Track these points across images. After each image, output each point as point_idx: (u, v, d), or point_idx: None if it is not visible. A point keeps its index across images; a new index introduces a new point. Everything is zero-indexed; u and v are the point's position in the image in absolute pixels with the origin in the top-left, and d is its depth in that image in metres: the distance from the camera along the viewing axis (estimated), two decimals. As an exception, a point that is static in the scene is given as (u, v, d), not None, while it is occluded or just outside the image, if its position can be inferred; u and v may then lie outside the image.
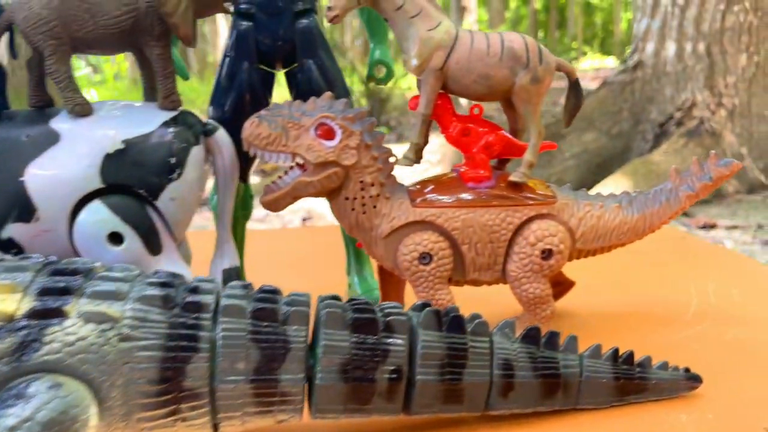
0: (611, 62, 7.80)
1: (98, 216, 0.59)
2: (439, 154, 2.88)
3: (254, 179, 3.29)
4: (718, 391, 0.60)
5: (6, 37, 0.61)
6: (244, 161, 0.75)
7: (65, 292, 0.45)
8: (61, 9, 0.58)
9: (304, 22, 0.76)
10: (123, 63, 6.24)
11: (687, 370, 0.60)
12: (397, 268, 0.69)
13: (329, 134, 0.64)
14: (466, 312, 0.71)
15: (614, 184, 2.71)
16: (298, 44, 0.76)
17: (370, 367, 0.49)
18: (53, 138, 0.60)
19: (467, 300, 0.73)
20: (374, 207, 0.67)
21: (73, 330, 0.43)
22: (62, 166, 0.59)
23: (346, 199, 0.67)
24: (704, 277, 0.91)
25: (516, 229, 0.68)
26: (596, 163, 3.13)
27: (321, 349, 0.49)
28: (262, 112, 0.65)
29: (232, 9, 0.77)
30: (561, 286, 0.80)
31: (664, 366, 0.59)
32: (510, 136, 0.71)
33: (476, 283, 0.71)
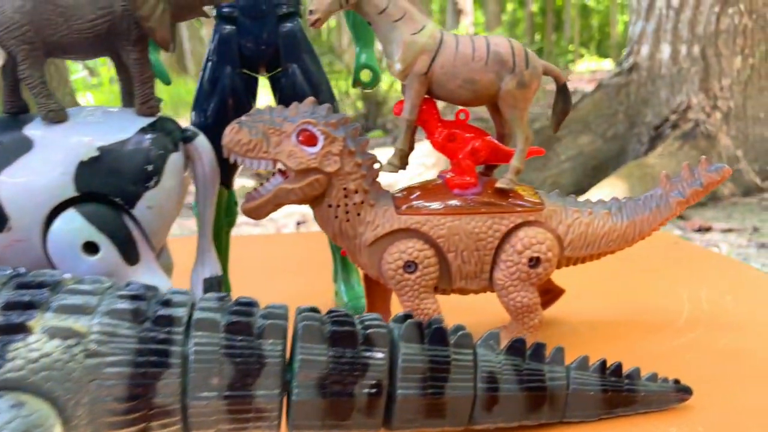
0: (608, 65, 7.80)
1: (72, 225, 0.58)
2: (434, 158, 2.87)
3: (249, 183, 3.27)
4: (709, 403, 0.58)
5: None
6: (228, 167, 0.73)
7: (30, 306, 0.43)
8: (34, 13, 0.56)
9: (288, 25, 0.75)
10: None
11: (677, 381, 0.58)
12: (381, 276, 0.67)
13: (311, 140, 0.63)
14: (454, 321, 0.70)
15: (609, 187, 2.70)
16: (281, 48, 0.75)
17: (348, 382, 0.48)
18: (26, 145, 0.58)
19: (455, 308, 0.71)
20: (358, 214, 0.65)
21: (37, 346, 0.42)
22: (35, 174, 0.58)
23: (330, 206, 0.65)
24: (697, 282, 0.90)
25: (503, 237, 0.66)
26: (591, 166, 3.12)
27: (297, 364, 0.47)
28: (243, 117, 0.64)
29: (214, 13, 0.75)
30: (550, 293, 0.78)
31: (654, 377, 0.58)
32: (497, 142, 0.69)
33: (463, 291, 0.69)
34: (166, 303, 0.47)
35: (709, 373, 0.64)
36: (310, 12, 0.63)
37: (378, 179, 0.67)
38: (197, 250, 0.68)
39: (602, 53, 9.36)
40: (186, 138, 0.64)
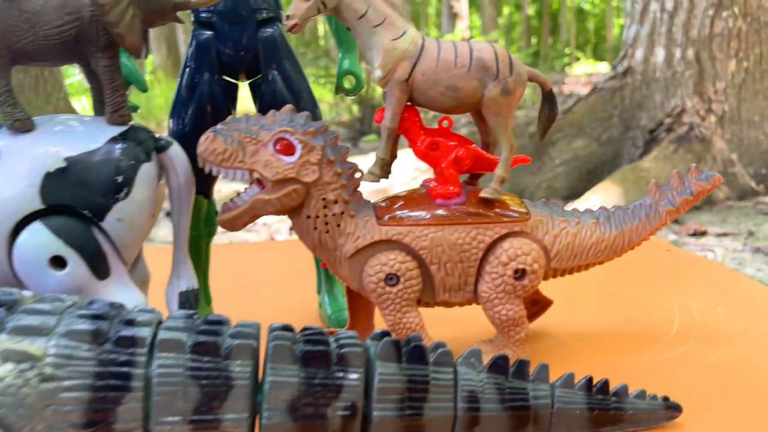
0: (604, 68, 7.81)
1: (39, 239, 0.56)
2: (428, 162, 2.85)
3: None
4: (699, 421, 0.56)
5: None
6: (207, 176, 0.71)
7: (-17, 327, 0.41)
8: (-1, 19, 0.55)
9: (268, 31, 0.73)
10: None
11: (666, 398, 0.56)
12: (362, 289, 0.65)
13: (289, 149, 0.61)
14: (439, 334, 0.68)
15: (604, 191, 2.68)
16: (261, 54, 0.73)
17: (321, 404, 0.46)
18: (-10, 156, 0.56)
19: (439, 321, 0.69)
20: (338, 225, 0.63)
21: (-12, 371, 0.39)
22: (-1, 186, 0.55)
23: (308, 217, 0.63)
24: (688, 292, 0.88)
25: (487, 248, 0.64)
26: (586, 170, 3.11)
27: (267, 386, 0.45)
28: (219, 126, 0.62)
29: (192, 18, 0.74)
30: (538, 305, 0.76)
31: (642, 395, 0.56)
32: (481, 150, 0.67)
33: (447, 304, 0.67)
34: (130, 323, 0.45)
35: (699, 389, 0.62)
36: (287, 17, 0.61)
37: (359, 189, 0.65)
38: (172, 263, 0.66)
39: (598, 56, 9.37)
40: (159, 147, 0.62)
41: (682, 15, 3.01)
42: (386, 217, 0.64)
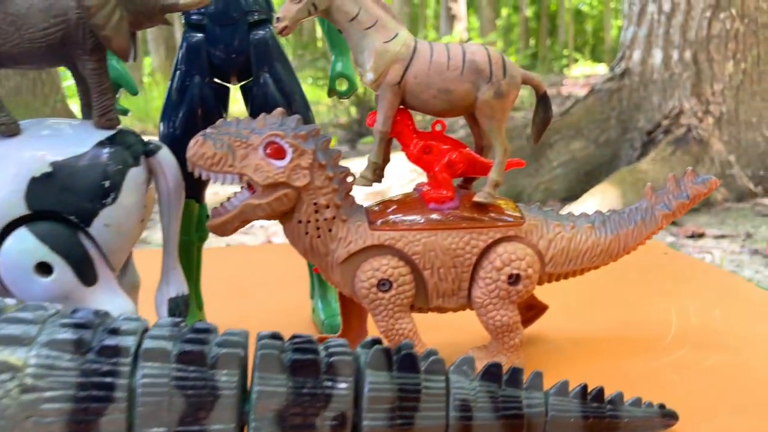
0: (602, 69, 7.82)
1: (24, 245, 0.55)
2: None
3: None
4: (696, 428, 0.56)
5: None
6: (198, 180, 0.70)
7: (-38, 337, 0.40)
8: (-17, 22, 0.54)
9: (259, 33, 0.72)
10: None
11: (662, 406, 0.55)
12: (355, 295, 0.64)
13: (279, 153, 0.60)
14: (433, 339, 0.67)
15: (602, 193, 2.68)
16: (253, 56, 0.72)
17: (310, 414, 0.45)
18: (-25, 161, 0.55)
19: (434, 326, 0.69)
20: (329, 230, 0.63)
21: (-34, 382, 0.38)
22: (-17, 192, 0.54)
23: (300, 222, 0.62)
24: (685, 295, 0.87)
25: (481, 253, 0.63)
26: (584, 172, 3.10)
27: (255, 395, 0.44)
28: (208, 129, 0.61)
29: (183, 20, 0.73)
30: (533, 310, 0.76)
31: (638, 402, 0.55)
32: (475, 154, 0.66)
33: (440, 310, 0.66)
34: (114, 332, 0.44)
35: (696, 394, 0.62)
36: (278, 19, 0.60)
37: (351, 193, 0.64)
38: (162, 268, 0.65)
39: (596, 58, 9.38)
40: (148, 151, 0.61)
41: (679, 16, 3.01)
42: (379, 222, 0.63)
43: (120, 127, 0.61)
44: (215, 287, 0.85)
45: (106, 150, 0.57)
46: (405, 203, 0.66)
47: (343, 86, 0.78)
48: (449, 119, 0.66)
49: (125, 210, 0.58)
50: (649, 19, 3.09)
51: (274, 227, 2.93)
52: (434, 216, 0.64)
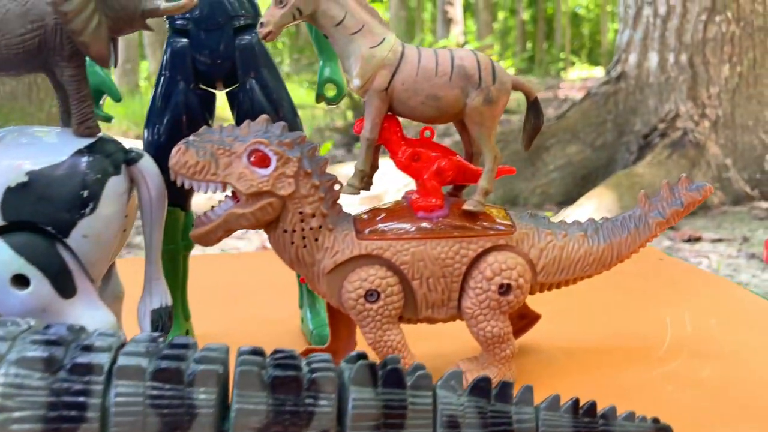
0: (599, 72, 7.82)
1: (0, 257, 0.53)
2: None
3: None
4: (691, 443, 0.54)
5: None
6: (183, 188, 0.69)
7: (-73, 356, 0.38)
8: (-42, 28, 0.52)
9: (245, 38, 0.71)
10: (110, 77, 6.17)
11: (656, 420, 0.54)
12: (342, 306, 0.63)
13: (263, 161, 0.59)
14: (423, 349, 0.66)
15: (598, 197, 2.67)
16: (238, 62, 0.71)
17: (291, 432, 0.43)
18: (-52, 170, 0.54)
19: (425, 336, 0.67)
20: (316, 240, 0.61)
21: (-71, 403, 0.37)
22: (-43, 202, 0.53)
23: (285, 231, 0.61)
24: (681, 303, 0.86)
25: (471, 263, 0.62)
26: (581, 176, 3.09)
27: (234, 414, 0.43)
28: (191, 137, 0.60)
29: (167, 25, 0.71)
30: (525, 319, 0.74)
31: (631, 416, 0.53)
32: (464, 161, 0.65)
33: (430, 321, 0.65)
34: (87, 348, 0.42)
35: (691, 408, 0.60)
36: (261, 24, 0.59)
37: (338, 202, 0.63)
38: (144, 279, 0.63)
39: (593, 61, 9.40)
40: (129, 160, 0.59)
41: (675, 20, 3.01)
42: (366, 231, 0.62)
43: (100, 135, 0.60)
44: (204, 296, 0.84)
45: (85, 159, 0.56)
46: (393, 211, 0.64)
47: (331, 92, 0.76)
48: (444, 124, 0.65)
49: (105, 220, 0.56)
50: (644, 22, 3.08)
51: (270, 232, 2.91)
52: (423, 225, 0.62)
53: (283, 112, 0.72)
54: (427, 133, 0.65)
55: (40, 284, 0.54)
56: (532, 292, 0.66)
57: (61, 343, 0.42)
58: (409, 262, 0.61)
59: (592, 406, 0.52)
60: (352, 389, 0.45)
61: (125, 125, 4.51)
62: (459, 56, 0.61)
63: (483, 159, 0.64)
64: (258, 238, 2.83)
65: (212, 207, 0.61)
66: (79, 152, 0.56)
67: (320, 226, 0.61)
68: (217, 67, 0.71)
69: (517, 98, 0.66)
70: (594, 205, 2.58)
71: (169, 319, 0.63)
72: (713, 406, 0.61)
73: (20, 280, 0.54)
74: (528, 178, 3.02)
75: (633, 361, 0.70)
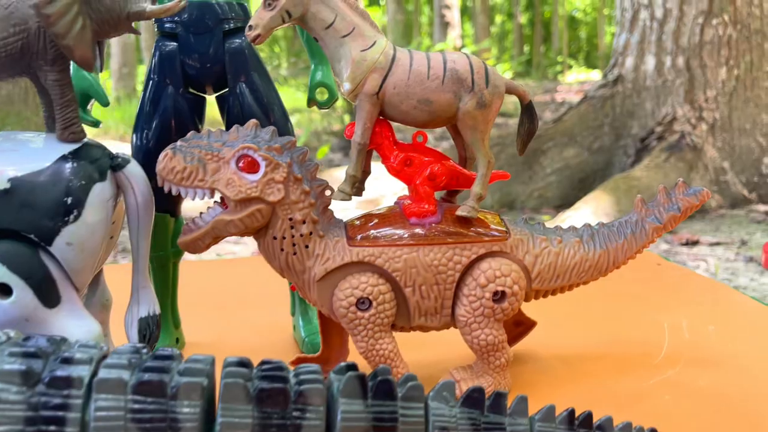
0: (596, 75, 7.84)
1: (-20, 265, 0.52)
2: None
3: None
4: (689, 454, 0.53)
5: None
6: (171, 193, 0.68)
7: None
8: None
9: (235, 42, 0.70)
10: (107, 81, 6.17)
11: (653, 431, 0.53)
12: (333, 314, 0.62)
13: (252, 167, 0.58)
14: (417, 357, 0.65)
15: (595, 201, 2.66)
16: (228, 66, 0.69)
17: (278, 447, 0.42)
18: (-71, 177, 0.53)
19: (419, 343, 0.66)
20: (306, 247, 0.60)
21: None
22: (-63, 210, 0.52)
23: (274, 238, 0.60)
24: (679, 309, 0.85)
25: (465, 269, 0.61)
26: (578, 179, 3.09)
27: (218, 427, 0.41)
28: (178, 142, 0.59)
29: (156, 28, 0.70)
30: (521, 326, 0.73)
31: (628, 427, 0.52)
32: (457, 166, 0.64)
33: (423, 329, 0.64)
34: (67, 361, 0.41)
35: (689, 418, 0.59)
36: (249, 27, 0.58)
37: (330, 208, 0.62)
38: (132, 287, 0.62)
39: (591, 64, 9.41)
40: (115, 165, 0.58)
41: (671, 23, 3.01)
42: (358, 237, 0.61)
43: (86, 140, 0.58)
44: (196, 303, 0.82)
45: (69, 165, 0.55)
46: (386, 217, 0.63)
47: (323, 96, 0.75)
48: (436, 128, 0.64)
49: (89, 227, 0.55)
50: (641, 25, 3.08)
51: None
52: (416, 231, 0.61)
53: (274, 116, 0.71)
54: (420, 137, 0.63)
55: (22, 293, 0.53)
56: (527, 299, 0.65)
57: (39, 356, 0.41)
58: (402, 269, 0.60)
59: (588, 416, 0.51)
60: (341, 401, 0.44)
61: (122, 129, 4.49)
62: (451, 59, 0.60)
63: (477, 164, 0.62)
64: (254, 242, 2.81)
65: (200, 213, 0.60)
66: (63, 158, 0.55)
67: (311, 233, 0.60)
68: (206, 71, 0.69)
69: (513, 101, 0.65)
70: (591, 209, 2.57)
71: (157, 327, 0.62)
72: (712, 415, 0.60)
73: (2, 289, 0.53)
74: (525, 181, 3.01)
75: (630, 369, 0.69)
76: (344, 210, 0.63)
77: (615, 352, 0.73)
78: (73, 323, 0.55)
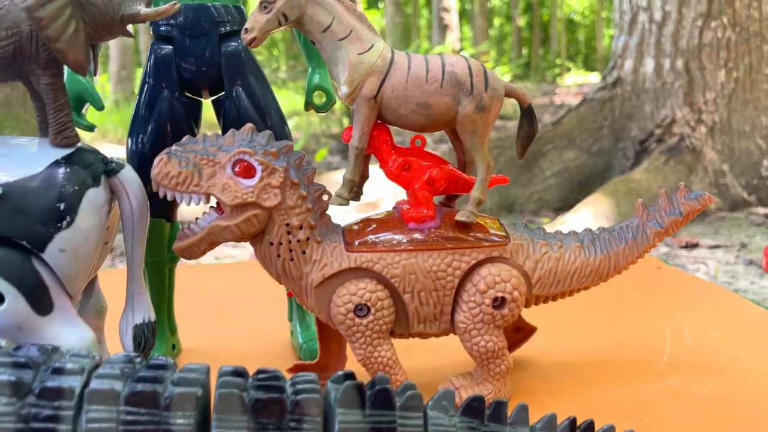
0: (595, 78, 7.84)
1: (-28, 272, 0.51)
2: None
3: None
4: (692, 463, 0.52)
5: None
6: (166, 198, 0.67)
7: None
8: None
9: (231, 45, 0.69)
10: (106, 84, 6.16)
11: (656, 439, 0.52)
12: (331, 321, 0.61)
13: (248, 172, 0.57)
14: (416, 363, 0.64)
15: (595, 203, 2.65)
16: (224, 69, 0.69)
17: (273, 458, 0.41)
18: None
19: (419, 349, 0.65)
20: (303, 253, 0.59)
21: None
22: (-72, 216, 0.51)
23: (271, 244, 0.59)
24: (680, 315, 0.84)
25: (464, 275, 0.60)
26: (577, 182, 3.08)
27: (212, 439, 0.41)
28: (173, 147, 0.58)
29: (151, 31, 0.70)
30: (521, 332, 0.72)
31: (630, 436, 0.51)
32: (456, 170, 0.63)
33: (422, 335, 0.63)
34: (58, 371, 0.40)
35: (691, 426, 0.58)
36: (245, 30, 0.57)
37: (327, 212, 0.61)
38: (126, 294, 0.61)
39: (589, 67, 9.42)
40: (109, 170, 0.57)
41: (670, 25, 3.00)
42: (356, 243, 0.60)
43: (79, 145, 0.57)
44: (193, 308, 0.82)
45: (62, 170, 0.54)
46: (384, 223, 0.62)
47: (320, 99, 0.75)
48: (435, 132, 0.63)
49: (83, 233, 0.54)
50: (640, 28, 3.08)
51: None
52: (414, 236, 0.60)
53: (271, 120, 0.70)
54: (418, 141, 0.63)
55: (14, 301, 0.52)
56: (527, 305, 0.64)
57: (30, 366, 0.40)
58: (400, 275, 0.59)
59: (590, 425, 0.50)
60: (339, 411, 0.43)
61: (120, 133, 4.48)
62: (450, 63, 0.59)
63: (476, 168, 0.62)
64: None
65: (196, 219, 0.59)
66: (56, 163, 0.54)
67: (308, 239, 0.59)
68: (202, 75, 0.69)
69: (513, 104, 0.64)
70: (591, 212, 2.56)
71: (152, 335, 0.61)
72: (714, 423, 0.59)
73: (-6, 297, 0.52)
74: (524, 184, 3.00)
75: (632, 376, 0.68)
76: (343, 213, 0.62)
77: (616, 359, 0.73)
78: (66, 331, 0.54)
